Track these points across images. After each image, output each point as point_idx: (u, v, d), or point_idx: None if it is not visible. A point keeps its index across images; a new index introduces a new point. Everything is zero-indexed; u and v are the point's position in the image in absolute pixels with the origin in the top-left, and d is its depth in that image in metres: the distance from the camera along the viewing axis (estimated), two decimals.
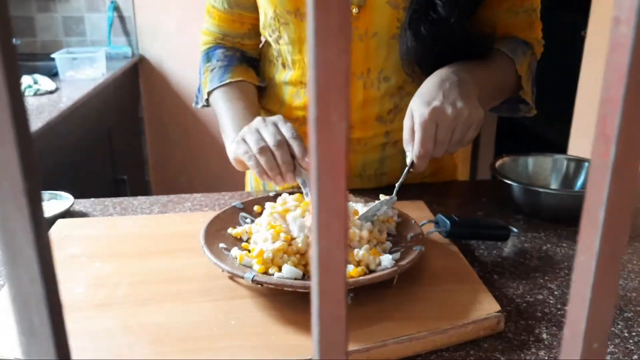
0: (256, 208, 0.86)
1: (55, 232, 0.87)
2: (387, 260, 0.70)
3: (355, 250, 0.71)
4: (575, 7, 2.76)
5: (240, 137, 0.88)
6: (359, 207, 0.82)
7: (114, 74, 2.37)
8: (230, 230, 0.79)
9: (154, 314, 0.66)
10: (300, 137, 0.86)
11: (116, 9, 2.66)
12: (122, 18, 2.70)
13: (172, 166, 2.90)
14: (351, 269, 0.69)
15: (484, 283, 0.73)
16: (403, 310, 0.67)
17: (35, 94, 1.97)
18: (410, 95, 1.01)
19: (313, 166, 0.19)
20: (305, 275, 0.69)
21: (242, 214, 0.84)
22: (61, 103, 1.88)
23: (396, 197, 0.85)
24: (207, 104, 1.12)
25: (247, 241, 0.78)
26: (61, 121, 1.78)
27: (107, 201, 1.04)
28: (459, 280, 0.73)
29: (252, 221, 0.83)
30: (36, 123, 1.63)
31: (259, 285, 0.67)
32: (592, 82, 2.26)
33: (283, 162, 0.84)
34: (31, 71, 2.21)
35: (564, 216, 0.95)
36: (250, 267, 0.70)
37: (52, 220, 0.92)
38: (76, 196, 1.02)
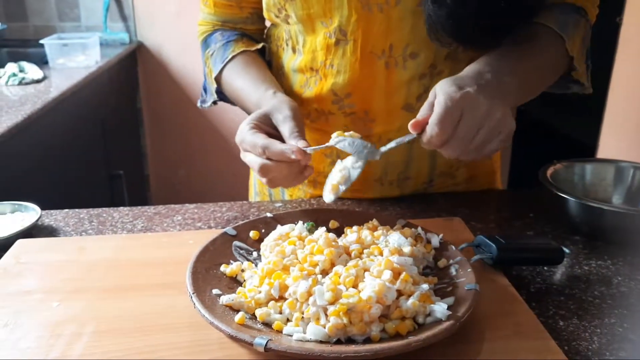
0: (252, 234, 0.70)
1: (11, 258, 0.71)
2: (440, 309, 0.54)
3: (401, 299, 0.55)
4: None
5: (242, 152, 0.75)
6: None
7: (109, 62, 2.20)
8: (223, 268, 0.62)
9: None
10: (267, 141, 0.70)
11: None
12: (119, 2, 2.52)
13: (172, 159, 2.74)
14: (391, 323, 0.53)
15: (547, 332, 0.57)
16: None
17: (20, 83, 1.81)
18: (441, 75, 0.84)
19: None
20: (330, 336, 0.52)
21: (236, 242, 0.67)
22: (48, 93, 1.72)
23: (379, 157, 0.70)
24: (216, 98, 0.96)
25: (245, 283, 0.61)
26: (46, 113, 1.61)
27: (83, 213, 0.88)
28: (521, 333, 0.57)
29: (249, 252, 0.67)
30: (16, 116, 1.46)
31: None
32: (628, 74, 2.07)
33: (284, 176, 0.71)
34: (22, 58, 2.04)
35: (633, 239, 0.78)
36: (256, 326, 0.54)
37: (12, 239, 0.76)
38: (66, 197, 0.85)
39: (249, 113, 0.83)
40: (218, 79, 0.93)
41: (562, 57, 0.81)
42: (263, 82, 0.86)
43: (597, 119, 2.22)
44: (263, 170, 0.70)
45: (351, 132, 0.71)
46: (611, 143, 2.16)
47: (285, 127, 0.72)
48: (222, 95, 0.96)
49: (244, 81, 0.88)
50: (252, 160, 0.72)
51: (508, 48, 0.77)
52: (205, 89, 0.99)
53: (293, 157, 0.67)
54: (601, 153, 2.18)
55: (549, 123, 3.34)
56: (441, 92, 0.66)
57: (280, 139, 0.72)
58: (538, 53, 0.80)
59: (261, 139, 0.70)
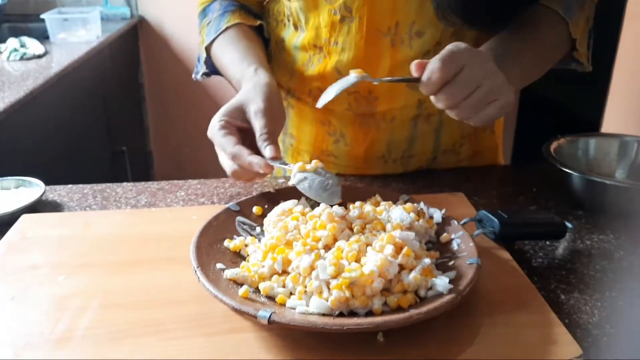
0: (255, 210, 0.70)
1: (17, 233, 0.71)
2: (442, 283, 0.54)
3: (403, 274, 0.55)
4: None
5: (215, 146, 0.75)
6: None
7: (110, 37, 2.18)
8: (227, 243, 0.63)
9: (127, 356, 0.50)
10: (233, 140, 0.70)
11: None
12: None
13: (176, 135, 2.73)
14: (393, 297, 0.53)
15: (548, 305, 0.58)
16: (452, 354, 0.51)
17: (21, 59, 1.80)
18: None
19: None
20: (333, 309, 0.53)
21: (239, 218, 0.68)
22: (50, 68, 1.71)
23: (377, 81, 0.68)
24: (206, 69, 0.94)
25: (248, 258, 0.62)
26: (48, 89, 1.61)
27: (87, 188, 0.88)
28: (522, 306, 0.57)
29: (252, 227, 0.67)
30: (18, 91, 1.46)
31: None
32: (634, 48, 2.04)
33: (252, 175, 0.71)
34: (22, 33, 2.03)
35: (636, 214, 0.78)
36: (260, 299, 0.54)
37: (17, 214, 0.76)
38: (69, 173, 0.86)
39: (235, 90, 0.82)
40: (208, 50, 0.91)
41: (565, 39, 0.82)
42: (247, 57, 0.83)
43: (602, 93, 2.20)
44: (235, 175, 0.71)
45: (314, 165, 0.68)
46: (616, 117, 2.14)
47: (256, 124, 0.71)
48: (213, 68, 0.94)
49: (231, 55, 0.86)
50: (223, 162, 0.72)
51: (512, 33, 0.78)
52: (199, 60, 0.98)
53: (261, 171, 0.67)
54: (606, 127, 2.17)
55: (553, 98, 3.31)
56: (450, 44, 0.66)
57: (252, 132, 0.72)
58: (542, 39, 0.80)
59: (230, 146, 0.69)
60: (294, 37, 0.88)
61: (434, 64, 0.64)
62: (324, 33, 0.84)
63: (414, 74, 0.66)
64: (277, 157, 0.68)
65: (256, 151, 0.70)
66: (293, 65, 0.90)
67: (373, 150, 0.91)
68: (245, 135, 0.72)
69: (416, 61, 0.66)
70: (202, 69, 0.95)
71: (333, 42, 0.83)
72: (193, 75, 0.99)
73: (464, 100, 0.65)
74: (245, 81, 0.79)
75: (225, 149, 0.69)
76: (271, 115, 0.72)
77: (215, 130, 0.72)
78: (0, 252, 0.67)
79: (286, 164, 0.68)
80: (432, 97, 0.67)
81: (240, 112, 0.73)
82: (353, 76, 0.67)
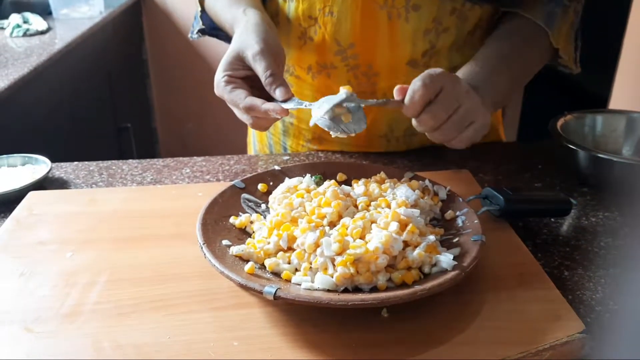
0: (260, 187, 0.70)
1: (24, 209, 0.72)
2: (446, 260, 0.55)
3: (408, 250, 0.56)
4: None
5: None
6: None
7: (113, 12, 2.16)
8: (232, 220, 0.63)
9: (134, 330, 0.51)
10: (244, 91, 0.68)
11: None
12: None
13: (180, 112, 2.73)
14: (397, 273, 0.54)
15: (552, 282, 0.58)
16: (456, 330, 0.51)
17: (24, 35, 1.79)
18: (447, 31, 0.83)
19: None
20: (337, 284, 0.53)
21: (244, 195, 0.68)
22: (53, 45, 1.70)
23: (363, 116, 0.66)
24: (202, 25, 0.91)
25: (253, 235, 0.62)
26: (52, 65, 1.60)
27: (93, 165, 0.88)
28: (526, 283, 0.57)
29: (257, 204, 0.67)
30: (22, 68, 1.45)
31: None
32: None
33: (273, 121, 0.70)
34: (25, 9, 2.01)
35: None
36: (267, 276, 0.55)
37: (24, 191, 0.77)
38: (75, 150, 0.86)
39: (230, 37, 0.79)
40: (202, 3, 0.89)
41: (548, 50, 0.83)
42: (237, 1, 0.81)
43: (610, 69, 2.17)
44: (256, 127, 0.70)
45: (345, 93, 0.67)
46: (624, 94, 2.12)
47: (258, 69, 0.68)
48: (209, 23, 0.91)
49: (223, 1, 0.84)
50: (240, 116, 0.71)
51: (490, 56, 0.79)
52: (195, 18, 0.94)
53: (278, 117, 0.66)
54: (613, 104, 2.15)
55: (561, 73, 3.26)
56: (427, 70, 0.68)
57: (258, 77, 0.69)
58: (521, 58, 0.82)
59: (242, 99, 0.67)
60: (284, 8, 0.87)
61: (415, 84, 0.65)
62: (317, 3, 0.82)
63: (397, 97, 0.67)
64: (289, 98, 0.66)
65: (267, 94, 0.68)
66: (288, 38, 0.88)
67: (375, 129, 0.91)
68: (252, 82, 0.70)
69: (398, 86, 0.67)
70: (198, 25, 0.92)
71: (328, 11, 0.82)
72: (189, 35, 0.97)
73: (447, 121, 0.67)
74: (236, 25, 0.76)
75: (238, 104, 0.68)
76: (270, 54, 0.69)
77: (221, 88, 0.70)
78: (8, 229, 0.67)
79: (302, 103, 0.66)
80: (414, 122, 0.68)
81: (239, 61, 0.70)
82: (343, 92, 0.66)
